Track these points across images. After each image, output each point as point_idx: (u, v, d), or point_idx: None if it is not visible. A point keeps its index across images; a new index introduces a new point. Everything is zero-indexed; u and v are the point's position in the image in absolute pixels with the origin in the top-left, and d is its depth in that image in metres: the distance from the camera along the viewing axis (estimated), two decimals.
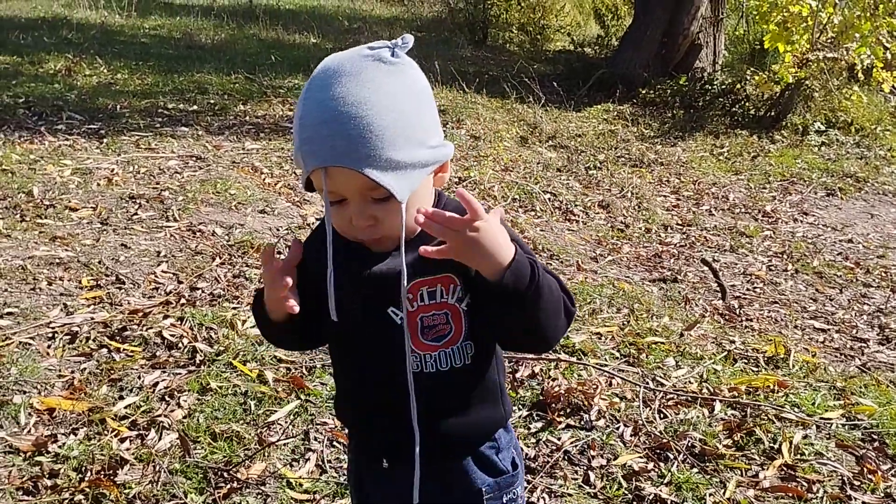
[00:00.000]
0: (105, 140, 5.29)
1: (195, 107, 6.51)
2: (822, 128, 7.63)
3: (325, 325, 1.29)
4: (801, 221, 5.64)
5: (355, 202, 1.16)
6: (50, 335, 2.89)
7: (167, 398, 2.59)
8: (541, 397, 2.70)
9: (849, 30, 7.35)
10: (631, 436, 2.56)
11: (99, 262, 3.46)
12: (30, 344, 2.81)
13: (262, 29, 10.51)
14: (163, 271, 3.47)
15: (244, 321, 3.05)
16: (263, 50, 9.23)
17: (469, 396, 1.29)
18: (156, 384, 2.66)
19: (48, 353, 2.77)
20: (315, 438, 2.46)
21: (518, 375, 2.84)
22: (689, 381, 2.90)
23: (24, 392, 2.54)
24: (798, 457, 2.42)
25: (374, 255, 1.24)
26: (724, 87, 8.23)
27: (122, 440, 2.38)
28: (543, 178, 5.79)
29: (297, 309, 1.20)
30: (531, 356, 2.91)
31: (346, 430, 1.49)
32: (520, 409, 2.65)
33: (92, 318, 3.01)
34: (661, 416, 2.68)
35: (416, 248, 1.17)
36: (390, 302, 1.23)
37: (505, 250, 1.12)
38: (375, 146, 1.10)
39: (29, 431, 2.37)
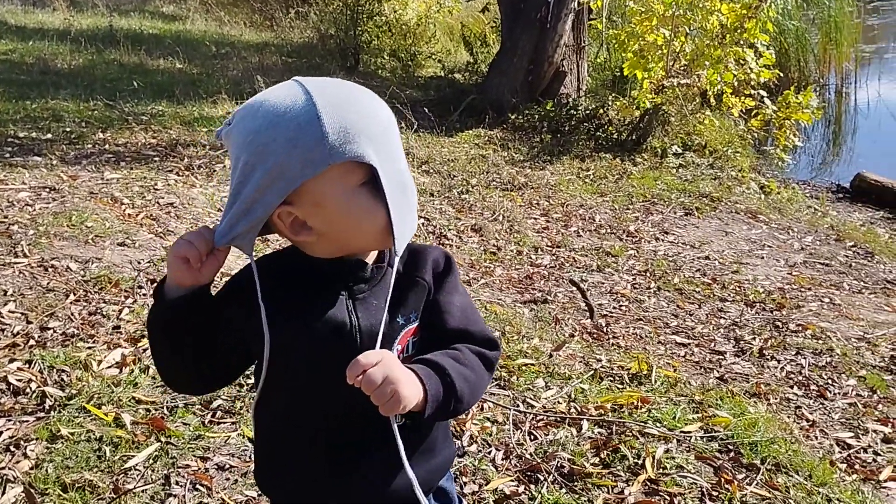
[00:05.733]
0: None
1: (49, 135, 6.18)
2: (679, 150, 8.03)
3: (238, 362, 1.31)
4: (662, 240, 5.89)
5: None
6: None
7: (12, 448, 2.42)
8: None
9: (700, 58, 7.80)
10: (502, 459, 2.58)
11: None
12: None
13: (123, 54, 10.11)
14: (9, 311, 3.24)
15: (100, 361, 2.89)
16: (125, 75, 8.89)
17: (438, 436, 1.34)
18: None
19: None
20: (176, 483, 2.35)
21: None
22: (558, 402, 2.95)
23: None
24: (661, 471, 2.50)
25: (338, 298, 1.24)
26: (588, 112, 8.55)
27: None
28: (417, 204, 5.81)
29: (204, 279, 1.19)
30: None
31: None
32: None
33: None
34: (532, 437, 2.71)
35: (396, 288, 1.22)
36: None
37: (412, 389, 1.14)
38: None
39: None
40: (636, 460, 2.56)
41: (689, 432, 2.74)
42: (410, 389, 1.12)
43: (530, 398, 2.98)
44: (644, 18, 7.78)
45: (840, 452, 2.99)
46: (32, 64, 9.21)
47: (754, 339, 4.11)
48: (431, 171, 6.83)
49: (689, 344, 4.05)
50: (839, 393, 3.53)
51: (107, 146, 6.11)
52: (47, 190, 4.79)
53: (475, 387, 1.24)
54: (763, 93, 7.94)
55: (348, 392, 1.15)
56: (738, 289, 4.92)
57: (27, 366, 2.82)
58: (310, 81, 1.16)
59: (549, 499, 2.36)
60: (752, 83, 7.86)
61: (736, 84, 7.92)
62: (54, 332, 3.13)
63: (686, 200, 6.81)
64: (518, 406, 2.90)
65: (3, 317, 3.18)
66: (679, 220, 6.41)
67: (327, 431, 1.27)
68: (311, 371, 1.24)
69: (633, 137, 8.14)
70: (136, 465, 2.39)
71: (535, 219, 6.08)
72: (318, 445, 1.28)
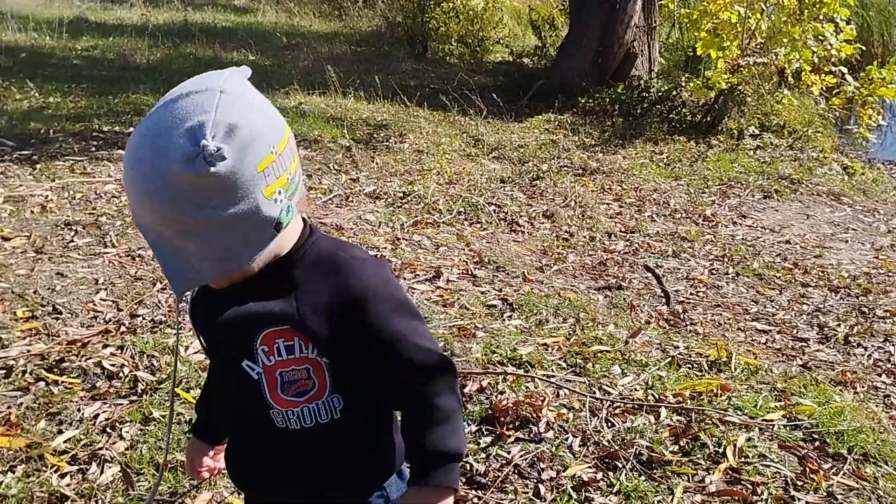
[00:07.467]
0: (38, 166, 5.16)
1: (131, 129, 6.37)
2: (757, 131, 7.82)
3: None
4: (740, 224, 5.76)
5: None
6: None
7: (108, 430, 2.53)
8: (489, 411, 2.71)
9: (777, 35, 7.57)
10: (580, 446, 2.58)
11: (34, 293, 3.36)
12: None
13: (198, 47, 10.37)
14: (101, 299, 3.38)
15: (187, 347, 2.99)
16: (200, 68, 8.99)
17: (342, 450, 1.24)
18: (96, 416, 2.59)
19: None
20: None
21: (466, 391, 2.84)
22: (635, 389, 2.93)
23: None
24: (742, 460, 2.46)
25: (228, 297, 1.17)
26: (660, 94, 8.39)
27: (62, 476, 2.31)
28: (488, 190, 5.82)
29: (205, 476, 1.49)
30: (478, 370, 2.92)
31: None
32: (469, 425, 2.65)
33: (28, 351, 2.92)
34: (609, 424, 2.70)
35: (268, 292, 1.15)
36: (245, 354, 1.17)
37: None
38: None
39: None
40: (717, 448, 2.53)
41: (772, 420, 2.69)
42: None
43: (606, 385, 2.96)
44: None
45: None
46: (113, 59, 9.52)
47: (839, 325, 3.99)
48: (502, 157, 6.82)
49: (770, 331, 3.96)
50: None
51: None
52: None
53: (461, 432, 1.24)
54: (844, 69, 7.66)
55: (231, 396, 1.26)
56: (821, 274, 4.78)
57: (119, 351, 2.94)
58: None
59: (627, 486, 2.35)
60: (833, 60, 7.59)
61: (815, 61, 7.66)
62: (143, 318, 3.25)
63: (764, 183, 6.64)
64: (594, 393, 2.89)
65: (95, 304, 3.33)
66: (757, 203, 6.26)
67: (234, 436, 1.34)
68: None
69: (708, 119, 7.97)
70: None
71: (607, 204, 6.01)
72: (235, 447, 1.35)
